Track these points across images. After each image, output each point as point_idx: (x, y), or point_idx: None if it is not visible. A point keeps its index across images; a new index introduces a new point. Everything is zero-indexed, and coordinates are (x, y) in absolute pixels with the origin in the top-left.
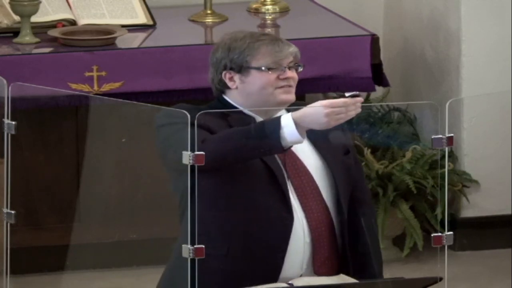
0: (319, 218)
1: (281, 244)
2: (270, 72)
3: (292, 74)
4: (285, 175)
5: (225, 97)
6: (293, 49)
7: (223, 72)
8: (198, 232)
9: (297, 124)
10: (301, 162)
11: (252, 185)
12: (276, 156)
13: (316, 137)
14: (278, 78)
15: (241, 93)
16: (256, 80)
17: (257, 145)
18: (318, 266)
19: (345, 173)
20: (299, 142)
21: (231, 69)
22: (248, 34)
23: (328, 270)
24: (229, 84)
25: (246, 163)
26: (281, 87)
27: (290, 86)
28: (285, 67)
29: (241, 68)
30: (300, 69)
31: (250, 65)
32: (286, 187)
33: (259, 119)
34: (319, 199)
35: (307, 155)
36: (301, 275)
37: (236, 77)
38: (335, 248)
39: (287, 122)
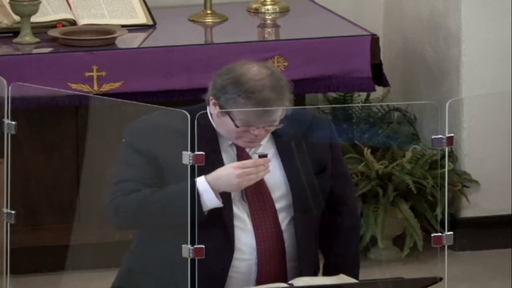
0: (270, 241)
1: (221, 274)
2: (240, 127)
3: (260, 132)
4: (243, 195)
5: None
6: (280, 113)
7: (211, 97)
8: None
9: (212, 187)
10: (264, 182)
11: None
12: None
13: (287, 157)
14: (245, 131)
15: (214, 120)
16: (225, 124)
17: (174, 214)
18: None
19: (313, 194)
20: (218, 206)
21: (218, 99)
22: (246, 82)
23: None
24: (211, 107)
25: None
26: (245, 137)
27: (255, 136)
28: (257, 127)
29: (222, 107)
30: (278, 124)
31: (229, 111)
32: (231, 221)
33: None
34: (273, 221)
35: (272, 175)
36: None
37: (217, 108)
38: (283, 271)
39: (205, 188)
